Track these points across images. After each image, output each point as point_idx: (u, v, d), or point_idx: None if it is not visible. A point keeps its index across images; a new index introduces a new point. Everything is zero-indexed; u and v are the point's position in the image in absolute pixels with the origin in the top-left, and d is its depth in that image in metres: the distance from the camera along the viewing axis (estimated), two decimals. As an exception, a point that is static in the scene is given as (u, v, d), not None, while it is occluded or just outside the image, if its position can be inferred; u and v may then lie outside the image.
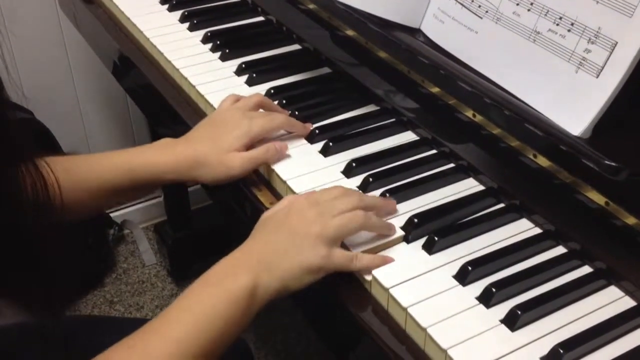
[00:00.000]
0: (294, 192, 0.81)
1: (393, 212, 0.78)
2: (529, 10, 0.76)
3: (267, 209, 0.82)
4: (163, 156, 0.86)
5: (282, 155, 0.86)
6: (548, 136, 0.72)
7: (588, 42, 0.70)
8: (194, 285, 0.70)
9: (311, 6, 1.04)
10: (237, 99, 0.92)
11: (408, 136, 0.91)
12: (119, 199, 0.90)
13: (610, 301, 0.69)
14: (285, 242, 0.71)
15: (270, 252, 0.70)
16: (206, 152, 0.84)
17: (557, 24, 0.73)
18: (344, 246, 0.73)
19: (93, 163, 0.88)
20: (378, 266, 0.71)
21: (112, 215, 1.91)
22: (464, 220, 0.77)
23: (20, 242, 0.64)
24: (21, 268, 0.66)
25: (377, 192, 0.81)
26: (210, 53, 1.09)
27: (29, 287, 0.68)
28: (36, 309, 0.72)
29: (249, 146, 0.85)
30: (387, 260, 0.72)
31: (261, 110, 0.91)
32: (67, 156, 0.88)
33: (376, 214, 0.75)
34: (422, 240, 0.75)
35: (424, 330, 0.65)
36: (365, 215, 0.73)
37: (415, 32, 0.88)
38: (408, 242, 0.75)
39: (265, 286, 0.69)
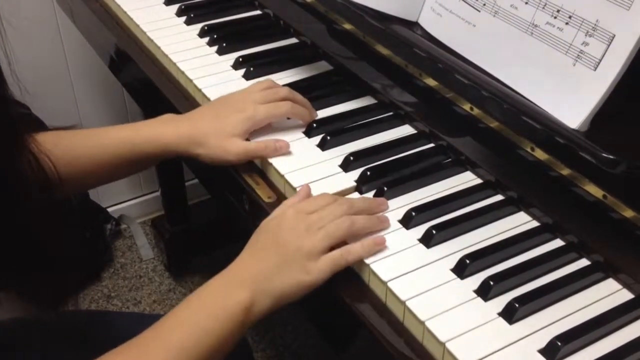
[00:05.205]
0: (291, 186, 0.81)
1: (384, 210, 0.78)
2: (526, 3, 0.76)
3: (264, 202, 0.82)
4: (166, 131, 0.87)
5: (280, 153, 0.86)
6: (546, 129, 0.72)
7: (586, 35, 0.70)
8: (191, 297, 0.71)
9: (308, -1, 1.04)
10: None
11: (406, 130, 0.91)
12: (120, 171, 0.91)
13: (607, 294, 0.69)
14: (278, 260, 0.71)
15: (264, 270, 0.71)
16: (208, 132, 0.85)
17: (555, 17, 0.73)
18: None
19: (96, 136, 0.89)
20: (370, 253, 0.71)
21: (109, 210, 1.91)
22: (462, 213, 0.78)
23: (21, 228, 0.64)
24: (22, 258, 0.66)
25: (374, 186, 0.81)
26: (207, 47, 1.08)
27: (30, 279, 0.68)
28: (37, 302, 0.72)
29: (252, 131, 0.87)
30: (378, 243, 0.72)
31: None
32: (71, 130, 0.88)
33: (368, 213, 0.76)
34: (420, 234, 0.75)
35: (422, 323, 0.65)
36: (351, 220, 0.73)
37: (413, 25, 0.88)
38: (407, 228, 0.75)
39: (260, 304, 0.70)
